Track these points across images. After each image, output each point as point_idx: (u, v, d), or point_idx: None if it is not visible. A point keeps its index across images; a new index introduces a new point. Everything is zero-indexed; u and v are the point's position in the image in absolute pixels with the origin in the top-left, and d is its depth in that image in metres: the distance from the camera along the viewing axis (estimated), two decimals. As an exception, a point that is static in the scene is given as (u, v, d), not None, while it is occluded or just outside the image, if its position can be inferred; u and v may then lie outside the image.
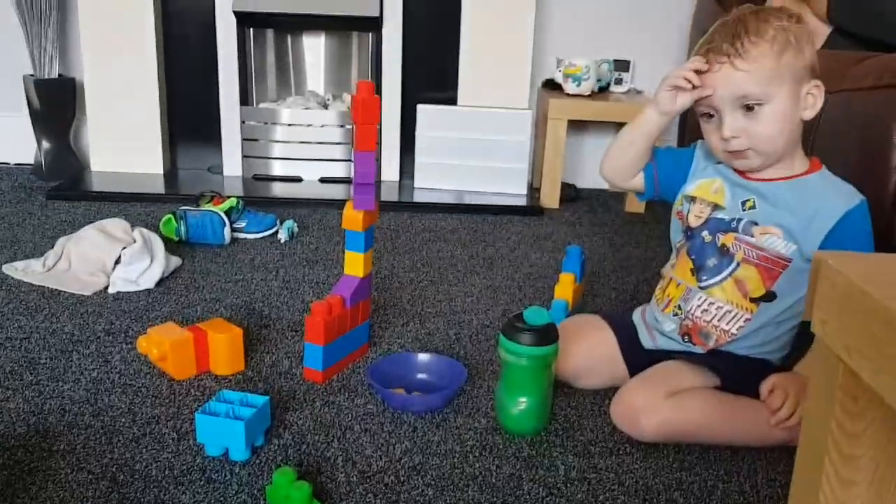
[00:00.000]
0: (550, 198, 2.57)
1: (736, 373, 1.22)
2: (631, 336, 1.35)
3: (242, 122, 2.61)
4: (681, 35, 2.74)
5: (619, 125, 2.72)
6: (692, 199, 1.28)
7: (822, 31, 2.08)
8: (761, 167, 1.20)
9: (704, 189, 1.27)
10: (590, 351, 1.34)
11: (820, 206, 1.16)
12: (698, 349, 1.26)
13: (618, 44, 2.76)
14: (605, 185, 2.89)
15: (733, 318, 1.22)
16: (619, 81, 2.73)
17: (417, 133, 2.57)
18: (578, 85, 2.55)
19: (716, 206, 1.25)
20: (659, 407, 1.18)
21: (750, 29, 1.13)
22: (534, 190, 2.66)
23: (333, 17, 2.48)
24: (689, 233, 1.27)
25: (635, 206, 2.55)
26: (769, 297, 1.20)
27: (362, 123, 1.34)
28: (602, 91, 2.69)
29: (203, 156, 2.70)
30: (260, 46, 2.68)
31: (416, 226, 2.30)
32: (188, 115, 2.66)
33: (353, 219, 1.37)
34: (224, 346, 1.37)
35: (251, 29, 2.61)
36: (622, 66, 2.74)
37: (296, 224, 2.15)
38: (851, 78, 1.64)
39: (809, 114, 1.17)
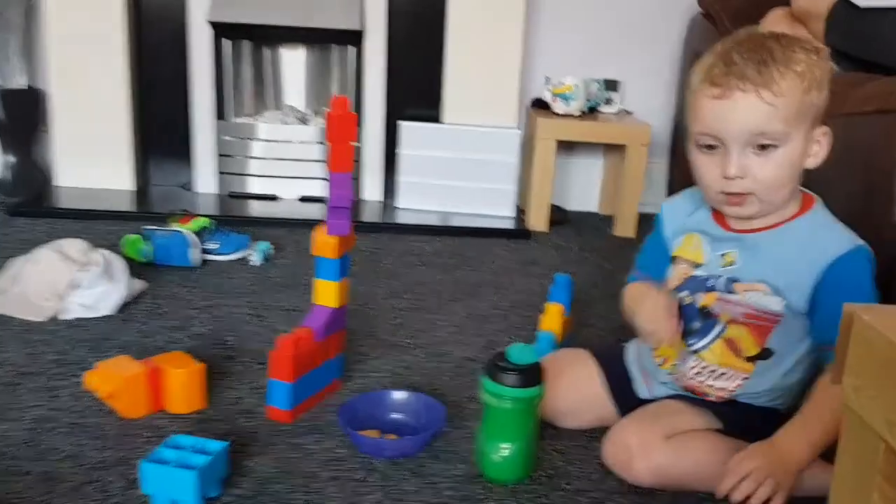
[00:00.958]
0: (538, 220, 2.50)
1: (741, 418, 1.12)
2: (621, 374, 1.26)
3: (217, 137, 2.53)
4: (672, 56, 2.68)
5: (610, 147, 2.70)
6: (674, 259, 1.19)
7: (820, 52, 2.01)
8: (755, 216, 1.09)
9: (685, 247, 1.18)
10: (574, 391, 1.24)
11: (806, 254, 1.06)
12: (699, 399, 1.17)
13: (607, 63, 2.70)
14: (595, 208, 2.85)
15: (729, 378, 1.13)
16: (608, 102, 2.67)
17: (400, 151, 2.49)
18: (568, 104, 2.48)
19: (695, 264, 1.15)
20: (656, 449, 1.08)
21: (777, 57, 1.00)
22: (521, 212, 2.58)
23: (313, 30, 2.41)
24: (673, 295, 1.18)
25: (625, 230, 2.49)
26: (764, 354, 1.10)
27: (338, 142, 1.25)
28: (592, 111, 2.62)
29: (176, 172, 2.60)
30: (236, 59, 2.60)
31: (397, 248, 2.21)
32: (161, 129, 2.57)
33: (325, 245, 1.28)
34: (182, 383, 1.27)
35: (227, 40, 2.52)
36: (611, 86, 2.68)
37: (271, 246, 2.06)
38: (853, 101, 1.56)
39: (813, 162, 1.06)
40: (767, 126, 1.00)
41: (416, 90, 2.53)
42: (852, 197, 1.51)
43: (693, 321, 1.14)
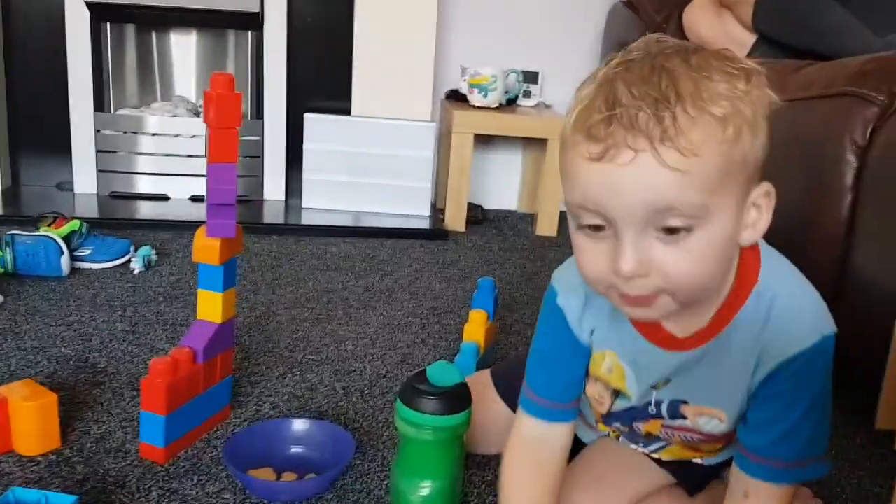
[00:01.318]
0: (456, 220, 2.36)
1: (698, 476, 0.95)
2: None
3: (97, 130, 2.31)
4: (592, 46, 2.59)
5: (529, 141, 2.57)
6: (588, 376, 0.88)
7: (747, 39, 1.93)
8: (672, 313, 0.73)
9: (596, 365, 0.85)
10: (482, 417, 1.06)
11: (755, 352, 0.76)
12: None
13: (526, 53, 2.59)
14: (514, 206, 2.73)
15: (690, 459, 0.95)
16: (527, 94, 2.55)
17: (305, 146, 2.33)
18: (485, 96, 2.35)
19: (617, 393, 0.86)
20: None
21: (685, 90, 0.63)
22: (438, 211, 2.45)
23: (206, 12, 2.23)
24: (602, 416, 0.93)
25: (547, 228, 2.39)
26: (729, 445, 0.89)
27: (219, 128, 1.05)
28: (510, 103, 2.49)
29: (52, 170, 2.39)
30: (119, 44, 2.41)
31: (302, 252, 2.03)
32: (33, 122, 2.36)
33: (205, 249, 1.07)
34: (31, 418, 1.05)
35: (108, 23, 2.34)
36: (530, 77, 2.56)
37: (154, 251, 1.83)
38: (793, 87, 1.47)
39: (750, 237, 0.71)
40: (675, 199, 0.63)
41: (322, 80, 2.39)
42: (796, 191, 1.41)
43: (636, 438, 0.93)
